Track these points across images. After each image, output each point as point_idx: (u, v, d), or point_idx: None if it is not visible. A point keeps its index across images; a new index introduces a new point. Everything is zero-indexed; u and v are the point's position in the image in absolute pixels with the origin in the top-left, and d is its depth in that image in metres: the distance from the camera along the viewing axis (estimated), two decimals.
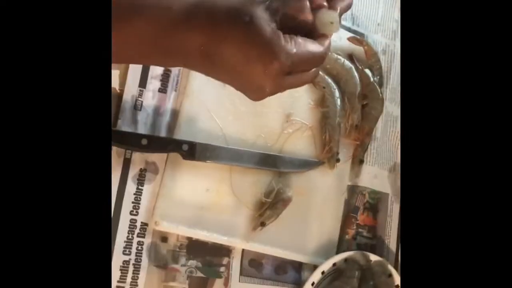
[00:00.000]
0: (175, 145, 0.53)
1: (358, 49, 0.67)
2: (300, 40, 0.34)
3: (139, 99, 0.53)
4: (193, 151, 0.53)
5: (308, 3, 0.36)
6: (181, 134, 0.55)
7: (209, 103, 0.56)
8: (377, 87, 0.65)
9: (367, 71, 0.66)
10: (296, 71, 0.36)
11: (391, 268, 0.61)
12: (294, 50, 0.34)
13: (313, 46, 0.35)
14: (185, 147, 0.53)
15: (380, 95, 0.65)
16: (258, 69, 0.34)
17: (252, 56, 0.33)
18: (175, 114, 0.55)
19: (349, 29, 0.67)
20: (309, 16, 0.36)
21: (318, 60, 0.36)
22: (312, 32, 0.37)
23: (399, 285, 0.60)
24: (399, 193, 0.67)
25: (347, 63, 0.65)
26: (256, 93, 0.37)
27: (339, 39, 0.66)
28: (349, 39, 0.66)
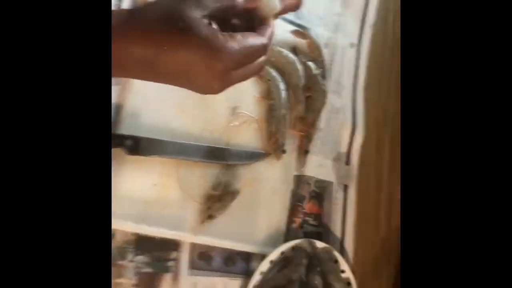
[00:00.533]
0: (118, 141, 0.52)
1: (302, 42, 0.68)
2: (239, 36, 0.35)
3: None
4: (137, 146, 0.53)
5: None
6: (125, 129, 0.54)
7: (153, 96, 0.56)
8: (320, 79, 0.67)
9: (310, 63, 0.67)
10: (240, 66, 0.36)
11: (336, 254, 0.63)
12: (235, 47, 0.34)
13: (253, 40, 0.36)
14: (128, 142, 0.52)
15: (323, 87, 0.67)
16: (202, 72, 0.34)
17: (194, 61, 0.33)
18: (117, 108, 0.54)
19: (292, 22, 0.69)
20: (247, 4, 0.36)
21: (260, 52, 0.37)
22: (251, 20, 0.37)
23: (344, 270, 0.63)
24: (343, 181, 0.69)
25: (291, 56, 0.66)
26: (205, 91, 0.37)
27: (283, 32, 0.67)
28: (292, 32, 0.67)
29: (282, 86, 0.64)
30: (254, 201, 0.62)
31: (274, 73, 0.64)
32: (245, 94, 0.63)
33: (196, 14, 0.33)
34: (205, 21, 0.34)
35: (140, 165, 0.54)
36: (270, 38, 0.38)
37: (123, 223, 0.52)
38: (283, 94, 0.64)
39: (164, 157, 0.55)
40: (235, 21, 0.38)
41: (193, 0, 0.34)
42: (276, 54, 0.65)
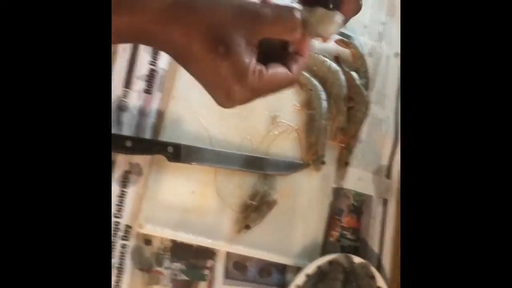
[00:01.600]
0: (160, 147, 0.52)
1: (345, 52, 0.67)
2: (270, 72, 0.36)
3: (124, 100, 0.52)
4: (178, 153, 0.53)
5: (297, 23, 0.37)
6: (166, 135, 0.54)
7: (194, 105, 0.56)
8: (363, 89, 0.65)
9: (353, 73, 0.66)
10: (261, 96, 0.37)
11: (373, 270, 0.61)
12: (262, 83, 0.36)
13: (282, 75, 0.37)
14: (170, 149, 0.52)
15: (366, 97, 0.65)
16: (220, 89, 0.36)
17: (220, 80, 0.35)
18: (160, 115, 0.55)
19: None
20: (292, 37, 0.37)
21: (286, 86, 0.38)
22: (286, 50, 0.39)
23: (381, 286, 0.61)
24: (383, 195, 0.67)
25: (334, 65, 0.65)
26: (226, 104, 0.38)
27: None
28: (336, 41, 0.66)
29: (323, 96, 0.63)
30: (291, 212, 0.61)
31: (315, 82, 0.63)
32: (285, 103, 0.62)
33: (241, 45, 0.34)
34: (246, 54, 0.34)
35: (180, 172, 0.54)
36: (298, 74, 0.39)
37: (161, 230, 0.53)
38: (324, 104, 0.63)
39: (204, 165, 0.55)
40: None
41: (242, 26, 0.34)
42: (318, 63, 0.64)
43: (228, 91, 0.35)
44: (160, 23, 0.34)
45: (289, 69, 0.38)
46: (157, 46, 0.39)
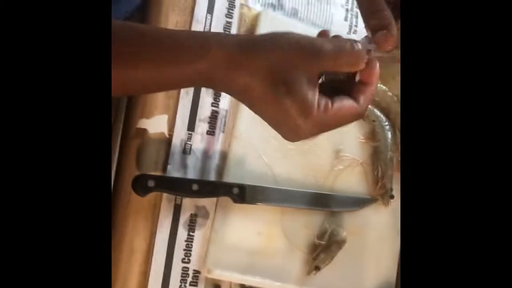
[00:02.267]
0: (225, 189, 0.51)
1: None
2: (336, 105, 0.35)
3: (188, 142, 0.53)
4: (243, 194, 0.52)
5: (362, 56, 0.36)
6: (230, 176, 0.53)
7: (256, 143, 0.55)
8: None
9: None
10: (327, 131, 0.37)
11: None
12: (327, 121, 0.36)
13: (348, 110, 0.36)
14: (235, 190, 0.52)
15: None
16: (287, 127, 0.36)
17: (286, 118, 0.35)
18: (223, 156, 0.54)
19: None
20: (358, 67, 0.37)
21: (352, 120, 0.38)
22: (353, 78, 0.38)
23: None
24: None
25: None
26: (286, 138, 0.38)
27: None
28: None
29: (387, 126, 0.61)
30: (362, 250, 0.58)
31: (379, 113, 0.61)
32: (349, 136, 0.60)
33: (302, 77, 0.34)
34: (307, 82, 0.34)
35: (246, 213, 0.53)
36: (365, 107, 0.38)
37: (229, 274, 0.51)
38: (389, 135, 0.61)
39: (269, 204, 0.54)
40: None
41: (302, 64, 0.34)
42: (381, 93, 0.61)
43: (294, 128, 0.35)
44: (224, 69, 0.35)
45: (356, 100, 0.37)
46: (221, 90, 0.40)
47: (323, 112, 0.35)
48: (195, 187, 0.50)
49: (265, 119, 0.37)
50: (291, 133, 0.36)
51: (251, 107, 0.37)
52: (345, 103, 0.36)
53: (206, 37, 0.37)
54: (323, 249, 0.55)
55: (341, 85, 0.38)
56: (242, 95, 0.36)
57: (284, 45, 0.35)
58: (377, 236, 0.59)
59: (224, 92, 0.38)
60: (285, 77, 0.34)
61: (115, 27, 0.33)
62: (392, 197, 0.60)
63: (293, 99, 0.34)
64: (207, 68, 0.35)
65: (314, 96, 0.34)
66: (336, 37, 0.38)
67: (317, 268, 0.54)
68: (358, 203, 0.59)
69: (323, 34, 0.39)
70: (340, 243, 0.55)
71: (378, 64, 0.38)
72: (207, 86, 0.42)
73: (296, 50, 0.34)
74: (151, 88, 0.41)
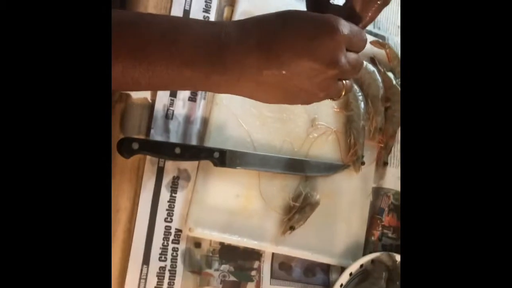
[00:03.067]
0: (207, 153, 0.54)
1: (380, 52, 0.67)
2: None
3: (171, 108, 0.54)
4: (223, 158, 0.54)
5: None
6: (211, 141, 0.56)
7: (236, 110, 0.57)
8: (400, 89, 0.66)
9: (390, 74, 0.66)
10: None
11: None
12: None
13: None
14: (216, 154, 0.54)
15: None
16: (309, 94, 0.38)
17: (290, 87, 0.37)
18: (205, 122, 0.56)
19: (370, 32, 0.68)
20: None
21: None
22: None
23: None
24: None
25: (370, 66, 0.65)
26: (307, 100, 0.40)
27: None
28: (371, 42, 0.67)
29: (361, 97, 0.64)
30: (333, 213, 0.62)
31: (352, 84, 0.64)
32: (324, 106, 0.63)
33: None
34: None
35: (225, 177, 0.56)
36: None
37: (209, 232, 0.54)
38: (362, 105, 0.64)
39: (248, 168, 0.56)
40: None
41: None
42: None
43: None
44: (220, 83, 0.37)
45: None
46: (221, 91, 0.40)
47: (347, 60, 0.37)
48: (177, 150, 0.52)
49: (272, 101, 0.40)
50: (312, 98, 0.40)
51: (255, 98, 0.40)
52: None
53: (220, 39, 0.36)
54: (297, 210, 0.58)
55: None
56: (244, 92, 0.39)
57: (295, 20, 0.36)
58: (348, 200, 0.63)
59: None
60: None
61: (125, 20, 0.34)
62: (363, 163, 0.63)
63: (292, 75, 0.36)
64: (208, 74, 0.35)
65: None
66: None
67: (292, 228, 0.57)
68: (331, 168, 0.62)
69: None
70: (313, 205, 0.59)
71: None
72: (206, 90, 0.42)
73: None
74: (161, 87, 0.43)
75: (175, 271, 0.53)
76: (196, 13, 0.57)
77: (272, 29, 0.36)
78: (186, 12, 0.56)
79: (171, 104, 0.55)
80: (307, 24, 0.36)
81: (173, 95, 0.55)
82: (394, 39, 0.69)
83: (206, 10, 0.58)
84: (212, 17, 0.58)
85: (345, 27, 0.36)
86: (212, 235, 0.55)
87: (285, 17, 0.36)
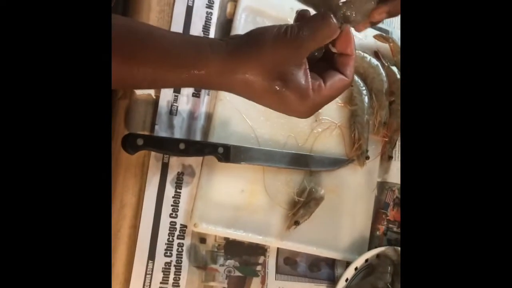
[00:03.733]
0: (211, 149, 0.54)
1: (384, 46, 0.67)
2: (328, 84, 0.40)
3: (174, 104, 0.54)
4: (227, 154, 0.54)
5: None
6: (215, 137, 0.56)
7: (240, 106, 0.57)
8: None
9: (394, 68, 0.66)
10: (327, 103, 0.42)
11: None
12: (325, 95, 0.40)
13: (340, 83, 0.41)
14: (220, 150, 0.54)
15: None
16: (293, 107, 0.40)
17: (286, 108, 0.40)
18: (209, 117, 0.56)
19: (374, 27, 0.67)
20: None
21: (343, 91, 0.42)
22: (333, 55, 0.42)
23: None
24: None
25: (374, 60, 0.65)
26: (296, 116, 0.42)
27: (365, 37, 0.66)
28: (374, 36, 0.66)
29: (365, 91, 0.64)
30: (338, 207, 0.62)
31: (356, 78, 0.64)
32: None
33: (292, 67, 0.38)
34: (298, 70, 0.38)
35: (230, 172, 0.56)
36: (352, 76, 0.42)
37: (214, 228, 0.54)
38: (366, 99, 0.64)
39: (252, 164, 0.56)
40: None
41: (288, 56, 0.38)
42: (358, 59, 0.64)
43: (295, 111, 0.40)
44: (220, 74, 0.38)
45: (344, 73, 0.41)
46: (219, 90, 0.43)
47: (318, 92, 0.39)
48: (182, 146, 0.52)
49: (267, 106, 0.41)
50: (294, 114, 0.41)
51: (251, 99, 0.40)
52: (336, 79, 0.40)
53: (200, 43, 0.39)
54: (302, 205, 0.58)
55: (324, 61, 0.42)
56: (241, 93, 0.39)
57: (267, 42, 0.38)
58: (353, 194, 0.63)
59: (223, 91, 0.41)
60: (278, 71, 0.37)
61: (117, 24, 0.36)
62: (367, 158, 0.63)
63: (290, 90, 0.38)
64: (204, 74, 0.38)
65: (307, 81, 0.38)
66: (311, 17, 0.41)
67: (296, 223, 0.57)
68: (336, 163, 0.62)
69: (301, 15, 0.42)
70: (318, 200, 0.59)
71: (351, 33, 0.41)
72: (205, 88, 0.49)
73: (280, 44, 0.37)
74: (148, 86, 0.45)
75: (181, 266, 0.53)
76: (199, 9, 0.57)
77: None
78: (190, 8, 0.56)
79: (175, 100, 0.55)
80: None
81: (177, 91, 0.55)
82: (398, 33, 0.69)
83: (209, 6, 0.58)
84: (215, 13, 0.58)
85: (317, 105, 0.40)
86: (217, 231, 0.55)
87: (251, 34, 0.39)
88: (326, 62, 0.42)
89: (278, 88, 0.38)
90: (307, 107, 0.39)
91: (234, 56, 0.38)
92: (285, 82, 0.37)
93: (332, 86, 0.40)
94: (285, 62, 0.38)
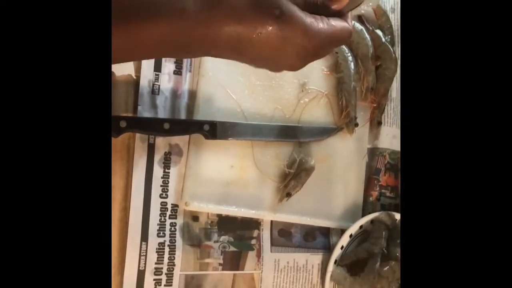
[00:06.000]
0: (197, 127, 0.53)
1: (367, 10, 0.66)
2: (332, 22, 0.35)
3: (156, 83, 0.53)
4: (214, 130, 0.54)
5: None
6: (200, 114, 0.55)
7: (224, 81, 0.56)
8: (389, 46, 0.64)
9: (378, 31, 0.65)
10: (326, 48, 0.37)
11: None
12: (326, 31, 0.34)
13: (340, 24, 0.36)
14: (206, 127, 0.53)
15: (393, 54, 0.64)
16: (291, 54, 0.35)
17: (287, 45, 0.34)
18: (192, 95, 0.55)
19: None
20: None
21: (346, 37, 0.37)
22: (331, 12, 0.37)
23: None
24: None
25: (357, 25, 0.64)
26: (282, 69, 0.38)
27: None
28: None
29: (350, 57, 0.63)
30: (330, 176, 0.62)
31: None
32: (313, 70, 0.62)
33: (291, 3, 0.33)
34: (301, 9, 0.34)
35: (218, 148, 0.55)
36: (352, 25, 0.38)
37: (206, 205, 0.54)
38: (352, 65, 0.63)
39: (239, 139, 0.56)
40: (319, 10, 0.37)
41: None
42: None
43: (299, 52, 0.34)
44: (205, 23, 0.32)
45: (345, 20, 0.37)
46: (207, 50, 0.35)
47: (324, 27, 0.34)
48: (166, 126, 0.51)
49: (264, 61, 0.36)
50: (296, 59, 0.35)
51: (246, 55, 0.34)
52: (338, 21, 0.36)
53: None
54: (293, 177, 0.57)
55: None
56: (230, 45, 0.33)
57: None
58: (343, 162, 0.63)
59: (212, 55, 0.35)
60: (276, 5, 0.32)
61: None
62: (356, 125, 0.63)
63: (290, 21, 0.33)
64: (185, 25, 0.32)
65: (307, 14, 0.34)
66: None
67: (288, 195, 0.57)
68: (324, 132, 0.61)
69: None
70: (308, 171, 0.58)
71: None
72: (189, 51, 0.35)
73: None
74: (123, 56, 0.34)
75: (175, 245, 0.53)
76: None
77: None
78: None
79: (156, 79, 0.54)
80: None
81: (158, 69, 0.54)
82: None
83: None
84: None
85: (323, 38, 0.35)
86: (209, 208, 0.54)
87: None
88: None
89: (276, 22, 0.32)
90: (311, 46, 0.34)
91: None
92: (283, 12, 0.32)
93: (336, 26, 0.35)
94: None
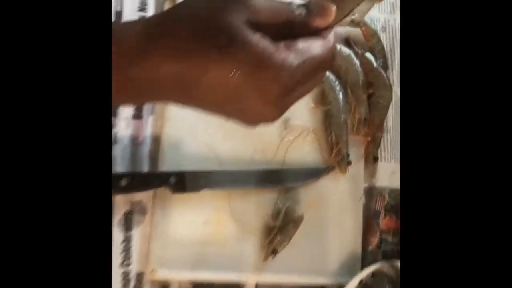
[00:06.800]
0: (161, 179, 0.46)
1: (355, 31, 0.59)
2: (300, 44, 0.27)
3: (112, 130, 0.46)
4: (182, 182, 0.47)
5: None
6: (167, 163, 0.48)
7: (193, 122, 0.49)
8: (382, 71, 0.58)
9: (368, 55, 0.58)
10: (302, 84, 0.28)
11: None
12: (295, 62, 0.26)
13: (317, 47, 0.28)
14: (172, 179, 0.46)
15: (387, 80, 0.58)
16: (252, 97, 0.27)
17: (242, 84, 0.26)
18: (156, 141, 0.49)
19: None
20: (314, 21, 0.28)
21: (327, 61, 0.29)
22: (306, 25, 0.29)
23: None
24: None
25: (344, 49, 0.57)
26: (257, 121, 0.30)
27: None
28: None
29: (338, 86, 0.56)
30: (322, 225, 0.54)
31: (327, 73, 0.56)
32: (297, 103, 0.55)
33: (239, 20, 0.26)
34: (257, 34, 0.26)
35: (188, 203, 0.48)
36: (335, 42, 0.29)
37: (178, 272, 0.47)
38: (341, 95, 0.56)
39: (213, 190, 0.48)
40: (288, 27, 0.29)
41: (233, 3, 0.26)
42: None
43: (263, 91, 0.26)
44: (140, 57, 0.26)
45: (321, 36, 0.29)
46: (146, 95, 0.30)
47: (292, 56, 0.26)
48: (124, 182, 0.44)
49: (223, 110, 0.29)
50: (263, 105, 0.28)
51: (198, 100, 0.28)
52: (311, 40, 0.28)
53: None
54: (278, 230, 0.50)
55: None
56: (180, 89, 0.27)
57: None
58: (337, 207, 0.55)
59: (161, 100, 0.30)
60: (219, 24, 0.26)
61: None
62: (349, 163, 0.55)
63: (242, 51, 0.25)
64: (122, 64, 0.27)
65: (270, 41, 0.26)
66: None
67: (274, 252, 0.50)
68: (314, 174, 0.54)
69: None
70: (297, 222, 0.51)
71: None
72: (132, 97, 0.30)
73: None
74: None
75: None
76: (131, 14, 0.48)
77: None
78: (118, 13, 0.48)
79: (112, 126, 0.46)
80: None
81: (113, 114, 0.46)
82: (369, 14, 0.61)
83: (142, 8, 0.49)
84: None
85: (290, 72, 0.27)
86: (181, 275, 0.47)
87: None
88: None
89: (220, 52, 0.25)
90: (279, 84, 0.26)
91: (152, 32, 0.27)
92: (231, 40, 0.25)
93: (308, 46, 0.27)
94: (228, 12, 0.26)
